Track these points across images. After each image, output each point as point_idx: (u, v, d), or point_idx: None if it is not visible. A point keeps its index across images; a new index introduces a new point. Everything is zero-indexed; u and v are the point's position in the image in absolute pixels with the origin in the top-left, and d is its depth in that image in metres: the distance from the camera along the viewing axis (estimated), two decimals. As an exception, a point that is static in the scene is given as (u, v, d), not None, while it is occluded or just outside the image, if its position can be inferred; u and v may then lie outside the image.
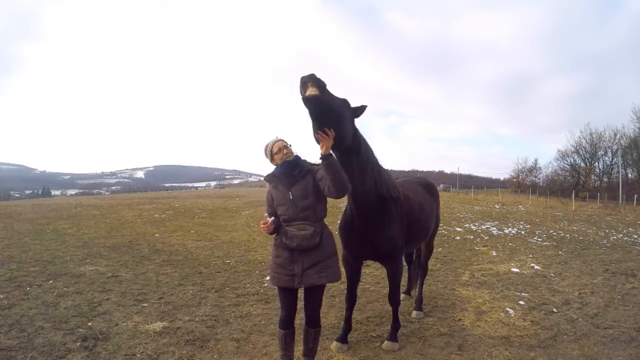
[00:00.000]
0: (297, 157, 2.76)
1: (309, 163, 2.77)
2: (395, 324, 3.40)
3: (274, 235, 2.79)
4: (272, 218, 2.65)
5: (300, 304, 2.83)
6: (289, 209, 2.65)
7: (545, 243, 9.08)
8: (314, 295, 2.74)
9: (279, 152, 2.71)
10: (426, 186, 4.15)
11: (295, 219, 2.63)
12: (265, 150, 2.77)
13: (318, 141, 2.43)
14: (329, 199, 2.73)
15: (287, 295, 2.72)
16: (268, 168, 2.84)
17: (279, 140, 2.76)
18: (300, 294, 2.83)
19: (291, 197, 2.65)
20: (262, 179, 2.92)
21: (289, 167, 2.70)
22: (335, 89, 2.47)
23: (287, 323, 2.72)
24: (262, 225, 2.63)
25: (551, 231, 11.21)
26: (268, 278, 2.84)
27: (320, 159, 2.45)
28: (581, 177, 44.60)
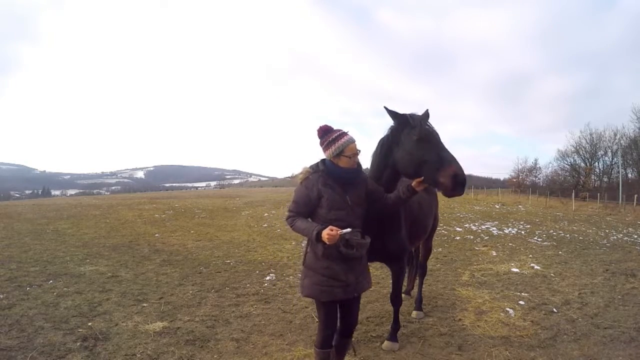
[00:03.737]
0: (359, 164, 2.57)
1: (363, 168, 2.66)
2: (396, 324, 3.40)
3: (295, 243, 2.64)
4: (349, 229, 2.31)
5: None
6: (348, 214, 2.43)
7: (545, 243, 9.08)
8: (358, 303, 2.63)
9: (351, 157, 2.46)
10: None
11: (352, 225, 2.39)
12: (334, 142, 2.44)
13: (417, 182, 2.57)
14: None
15: (333, 310, 2.49)
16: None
17: (354, 143, 2.47)
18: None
19: (349, 202, 2.45)
20: (304, 170, 2.53)
21: (354, 174, 2.52)
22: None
23: (330, 340, 2.49)
24: (329, 234, 2.23)
25: (551, 231, 11.20)
26: (301, 294, 2.53)
27: (412, 192, 2.57)
28: (581, 177, 44.58)
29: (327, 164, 2.49)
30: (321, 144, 2.53)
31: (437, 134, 2.66)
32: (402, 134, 2.71)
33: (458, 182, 2.43)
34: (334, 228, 2.25)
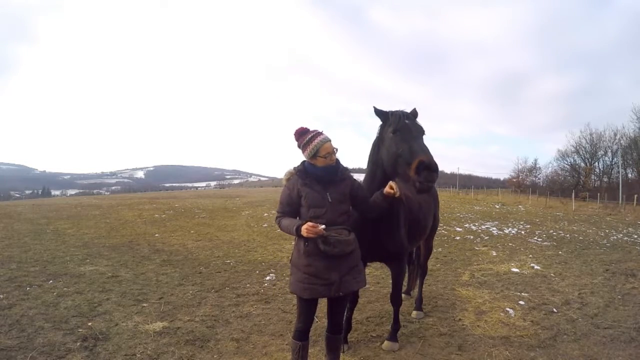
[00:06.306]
0: (339, 161, 2.62)
1: (345, 167, 2.67)
2: (396, 324, 3.40)
3: (293, 243, 2.60)
4: (324, 226, 2.36)
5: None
6: (328, 212, 2.47)
7: (545, 243, 9.08)
8: (343, 302, 2.67)
9: (325, 157, 2.52)
10: None
11: (333, 223, 2.46)
12: (309, 144, 2.52)
13: (391, 188, 2.52)
14: None
15: (311, 306, 2.56)
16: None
17: (329, 142, 2.53)
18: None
19: (330, 200, 2.50)
20: (287, 172, 2.65)
21: (332, 172, 2.56)
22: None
23: (305, 334, 2.58)
24: (309, 229, 2.32)
25: (551, 231, 11.21)
26: (290, 289, 2.60)
27: (384, 198, 2.55)
28: (581, 177, 44.60)
29: (306, 165, 2.60)
30: (298, 146, 2.60)
31: (415, 128, 2.62)
32: (383, 131, 2.76)
33: (421, 168, 2.34)
34: (313, 223, 2.35)
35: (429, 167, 2.34)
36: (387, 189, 2.54)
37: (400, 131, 2.57)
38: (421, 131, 2.65)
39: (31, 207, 14.92)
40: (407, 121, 2.62)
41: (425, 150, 2.45)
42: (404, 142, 2.52)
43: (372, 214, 2.73)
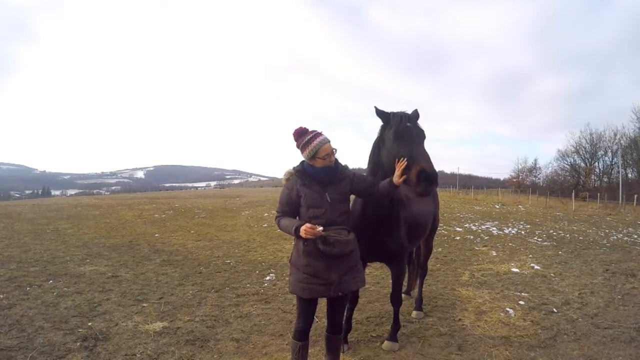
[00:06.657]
0: (337, 161, 2.62)
1: (344, 166, 2.67)
2: (396, 324, 3.40)
3: (292, 243, 2.61)
4: (322, 227, 2.38)
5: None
6: (327, 212, 2.48)
7: (545, 243, 9.08)
8: (343, 302, 2.68)
9: (324, 158, 2.52)
10: None
11: (333, 223, 2.47)
12: (308, 144, 2.52)
13: (398, 177, 2.50)
14: None
15: (311, 306, 2.56)
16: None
17: (328, 143, 2.53)
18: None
19: (329, 200, 2.50)
20: (286, 172, 2.66)
21: (331, 173, 2.56)
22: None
23: (305, 334, 2.58)
24: (307, 230, 2.35)
25: (551, 231, 11.21)
26: (290, 289, 2.62)
27: (393, 187, 2.54)
28: (581, 177, 44.64)
29: (304, 165, 2.60)
30: (297, 146, 2.60)
31: (416, 131, 2.63)
32: (384, 132, 2.76)
33: (422, 178, 2.38)
34: (311, 224, 2.37)
35: (428, 178, 2.39)
36: (397, 177, 2.49)
37: (401, 134, 2.58)
38: (422, 136, 2.66)
39: (31, 207, 14.93)
40: (408, 124, 2.63)
41: (427, 158, 2.48)
42: (405, 147, 2.54)
43: (383, 199, 2.78)
